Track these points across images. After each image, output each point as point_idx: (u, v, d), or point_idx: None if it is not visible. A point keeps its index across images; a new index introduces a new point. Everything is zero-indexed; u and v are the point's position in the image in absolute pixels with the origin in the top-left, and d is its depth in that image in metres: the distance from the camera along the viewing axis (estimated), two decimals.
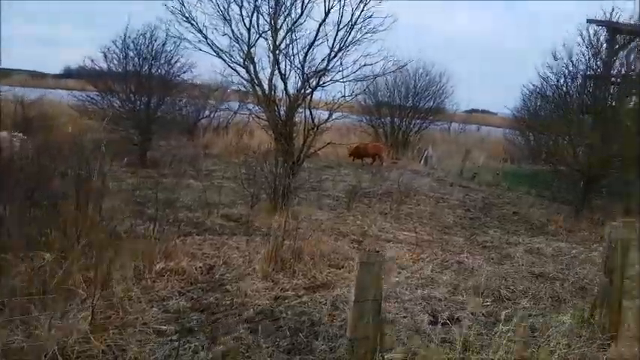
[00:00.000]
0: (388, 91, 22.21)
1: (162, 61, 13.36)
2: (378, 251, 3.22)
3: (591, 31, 10.10)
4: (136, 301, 4.23)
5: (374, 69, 8.15)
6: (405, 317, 4.32)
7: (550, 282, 5.75)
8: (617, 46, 11.73)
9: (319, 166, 15.46)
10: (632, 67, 11.13)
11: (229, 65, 7.97)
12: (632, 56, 11.22)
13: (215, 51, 7.99)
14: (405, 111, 21.82)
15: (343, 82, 7.84)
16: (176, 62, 13.74)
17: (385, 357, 2.56)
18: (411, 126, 21.92)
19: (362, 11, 7.68)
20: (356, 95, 8.49)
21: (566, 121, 9.83)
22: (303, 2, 7.78)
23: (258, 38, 7.82)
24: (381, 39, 8.05)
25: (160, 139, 15.25)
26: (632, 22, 11.16)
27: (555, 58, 10.24)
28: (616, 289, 3.77)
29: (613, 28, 11.15)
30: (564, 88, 10.13)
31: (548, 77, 10.31)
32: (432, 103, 21.91)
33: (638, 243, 4.52)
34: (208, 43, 7.91)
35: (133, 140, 13.39)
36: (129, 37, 12.93)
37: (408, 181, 13.58)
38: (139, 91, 13.08)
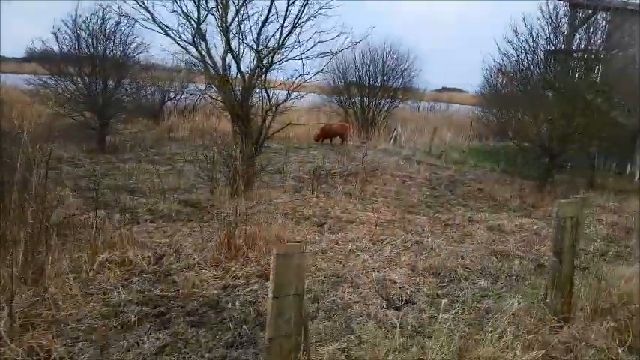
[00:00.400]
0: (357, 71, 22.05)
1: (116, 42, 12.73)
2: (299, 242, 3.03)
3: (550, 6, 10.03)
4: (71, 297, 3.96)
5: (331, 46, 7.86)
6: (357, 302, 4.18)
7: (509, 260, 5.72)
8: (577, 21, 11.72)
9: (289, 147, 15.23)
10: (592, 41, 11.16)
11: (178, 43, 7.55)
12: (592, 30, 11.23)
13: (162, 29, 7.55)
14: (374, 90, 21.69)
15: (298, 59, 7.53)
16: (131, 43, 13.13)
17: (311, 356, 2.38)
18: (381, 105, 21.84)
19: None
20: (316, 74, 8.18)
21: (528, 97, 9.79)
22: None
23: (207, 15, 7.41)
24: (337, 15, 7.73)
25: (120, 124, 14.70)
26: None
27: (516, 34, 10.15)
28: (566, 269, 3.68)
29: (573, 3, 11.12)
30: (525, 64, 10.08)
31: (508, 52, 10.23)
32: (400, 82, 21.83)
33: None
34: (155, 21, 7.45)
35: (91, 125, 12.84)
36: (80, 16, 12.26)
37: (375, 160, 13.50)
38: (94, 73, 12.47)
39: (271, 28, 7.91)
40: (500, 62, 10.35)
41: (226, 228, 5.17)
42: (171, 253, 5.20)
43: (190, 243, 5.49)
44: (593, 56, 10.93)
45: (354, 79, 22.09)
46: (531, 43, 9.97)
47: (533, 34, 9.96)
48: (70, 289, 4.09)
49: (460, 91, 39.89)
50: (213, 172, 7.80)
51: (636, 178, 12.63)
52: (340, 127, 15.88)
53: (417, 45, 45.68)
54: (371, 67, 21.88)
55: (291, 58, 7.59)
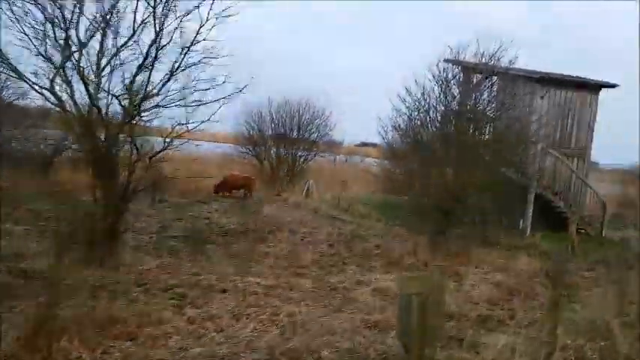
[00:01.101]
0: (273, 123, 21.88)
1: None
2: None
3: (441, 68, 10.37)
4: None
5: (213, 94, 7.33)
6: None
7: (384, 334, 5.17)
8: (471, 84, 12.28)
9: (191, 201, 14.24)
10: (486, 103, 11.68)
11: (34, 89, 6.64)
12: (485, 93, 11.79)
13: (16, 72, 6.63)
14: (290, 142, 21.52)
15: (171, 107, 6.90)
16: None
17: None
18: (297, 158, 21.65)
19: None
20: (200, 124, 7.54)
21: (421, 153, 9.83)
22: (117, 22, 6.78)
23: (67, 59, 6.61)
24: (223, 65, 7.28)
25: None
26: (485, 62, 11.74)
27: (409, 93, 10.33)
28: (414, 358, 3.13)
29: (464, 65, 11.64)
30: (418, 122, 10.21)
31: (401, 110, 10.35)
32: (316, 135, 21.88)
33: None
34: (4, 63, 6.52)
35: None
36: None
37: (280, 215, 12.92)
38: None
39: (146, 74, 7.25)
40: (395, 119, 10.46)
41: (36, 311, 4.17)
42: None
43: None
44: (483, 116, 11.37)
45: (270, 130, 21.90)
46: (423, 103, 10.16)
47: (425, 94, 10.18)
48: None
49: (375, 145, 41.20)
50: (65, 234, 6.70)
51: (527, 233, 13.04)
52: (244, 179, 15.22)
53: (336, 99, 46.74)
54: (287, 120, 21.85)
55: (162, 106, 6.93)
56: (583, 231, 14.30)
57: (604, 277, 7.34)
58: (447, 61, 11.27)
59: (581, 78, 15.04)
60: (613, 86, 15.05)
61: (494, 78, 11.91)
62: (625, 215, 20.73)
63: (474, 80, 11.79)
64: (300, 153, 21.60)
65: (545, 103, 14.67)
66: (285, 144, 21.45)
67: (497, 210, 12.62)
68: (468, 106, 10.58)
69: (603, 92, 15.07)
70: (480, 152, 10.37)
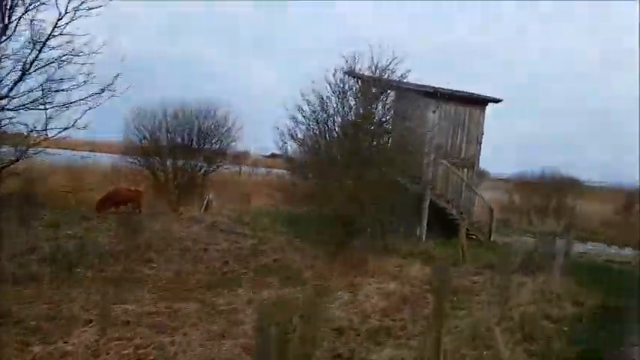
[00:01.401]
0: (169, 132, 20.49)
1: None
2: None
3: (337, 78, 10.32)
4: None
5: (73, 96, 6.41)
6: None
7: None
8: (368, 96, 12.42)
9: (71, 217, 12.65)
10: (381, 114, 11.85)
11: None
12: (380, 105, 11.96)
13: None
14: (189, 152, 20.32)
15: (18, 110, 5.88)
16: None
17: None
18: (197, 169, 20.50)
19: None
20: (62, 130, 6.55)
21: (319, 164, 9.62)
22: None
23: None
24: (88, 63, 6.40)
25: None
26: (379, 75, 11.93)
27: (308, 102, 10.12)
28: None
29: (362, 79, 11.74)
30: (317, 132, 10.03)
31: (298, 119, 10.09)
32: (219, 145, 20.88)
33: None
34: None
35: None
36: None
37: (173, 231, 11.94)
38: None
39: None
40: (292, 129, 10.16)
41: None
42: None
43: None
44: (379, 127, 11.52)
45: (167, 140, 20.47)
46: (321, 113, 9.99)
47: (323, 104, 10.02)
48: None
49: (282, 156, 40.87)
50: None
51: (423, 240, 13.47)
52: (131, 193, 13.93)
53: (240, 108, 45.22)
54: (186, 128, 20.61)
55: (12, 109, 5.88)
56: (474, 236, 15.10)
57: (489, 282, 7.60)
58: (346, 73, 11.28)
59: (469, 93, 16.04)
60: (497, 101, 16.28)
61: (389, 91, 12.20)
62: (512, 220, 22.67)
63: (372, 92, 11.95)
64: (200, 164, 20.50)
65: (437, 116, 15.44)
66: (184, 154, 20.21)
67: (396, 219, 12.90)
68: (364, 117, 10.61)
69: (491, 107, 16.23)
70: (377, 162, 10.43)
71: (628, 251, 16.13)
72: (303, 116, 9.99)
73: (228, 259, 9.53)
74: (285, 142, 10.20)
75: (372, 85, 11.27)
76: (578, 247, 15.16)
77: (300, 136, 10.07)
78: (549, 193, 22.93)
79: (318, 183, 10.01)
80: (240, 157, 25.22)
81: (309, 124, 10.04)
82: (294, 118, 9.96)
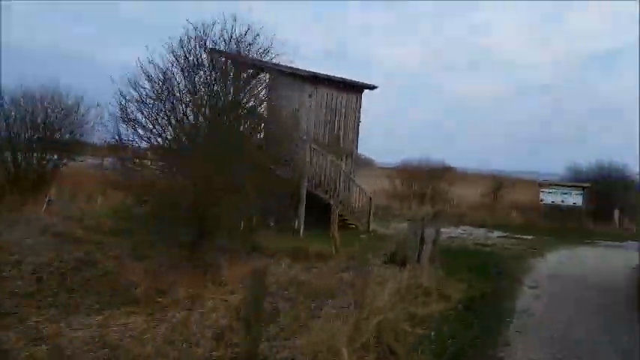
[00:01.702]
0: (6, 120, 17.08)
1: None
2: None
3: (187, 51, 8.71)
4: None
5: None
6: None
7: None
8: (241, 81, 10.99)
9: None
10: (251, 98, 10.51)
11: None
12: (252, 88, 10.62)
13: None
14: (33, 145, 17.12)
15: None
16: None
17: None
18: (45, 163, 17.39)
19: None
20: None
21: (163, 151, 7.98)
22: None
23: None
24: None
25: None
26: (247, 54, 10.53)
27: (149, 79, 8.36)
28: None
29: (235, 60, 10.24)
30: (161, 113, 8.35)
31: (134, 98, 8.26)
32: (69, 135, 17.87)
33: None
34: None
35: None
36: None
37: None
38: None
39: None
40: (124, 109, 8.29)
41: None
42: None
43: None
44: (250, 112, 10.18)
45: (6, 130, 17.06)
46: (165, 91, 8.31)
47: (167, 80, 8.35)
48: None
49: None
50: None
51: (301, 233, 12.49)
52: None
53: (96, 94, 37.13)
54: (27, 118, 17.33)
55: None
56: (353, 226, 14.57)
57: (349, 282, 6.71)
58: (212, 50, 9.66)
59: (345, 79, 15.34)
60: (372, 88, 15.81)
61: (262, 73, 10.95)
62: (393, 208, 22.94)
63: (237, 71, 10.53)
64: (50, 157, 17.43)
65: (314, 102, 14.53)
66: (27, 147, 16.98)
67: (269, 211, 11.67)
68: (223, 97, 9.14)
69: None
70: (246, 149, 9.07)
71: (497, 233, 16.85)
72: (143, 94, 8.22)
73: (42, 275, 7.50)
74: (115, 126, 8.33)
75: (238, 65, 9.86)
76: (451, 232, 15.44)
77: (140, 118, 8.27)
78: (427, 180, 23.60)
79: (161, 173, 8.34)
80: (98, 149, 22.16)
81: (153, 104, 8.32)
82: (124, 97, 8.12)
